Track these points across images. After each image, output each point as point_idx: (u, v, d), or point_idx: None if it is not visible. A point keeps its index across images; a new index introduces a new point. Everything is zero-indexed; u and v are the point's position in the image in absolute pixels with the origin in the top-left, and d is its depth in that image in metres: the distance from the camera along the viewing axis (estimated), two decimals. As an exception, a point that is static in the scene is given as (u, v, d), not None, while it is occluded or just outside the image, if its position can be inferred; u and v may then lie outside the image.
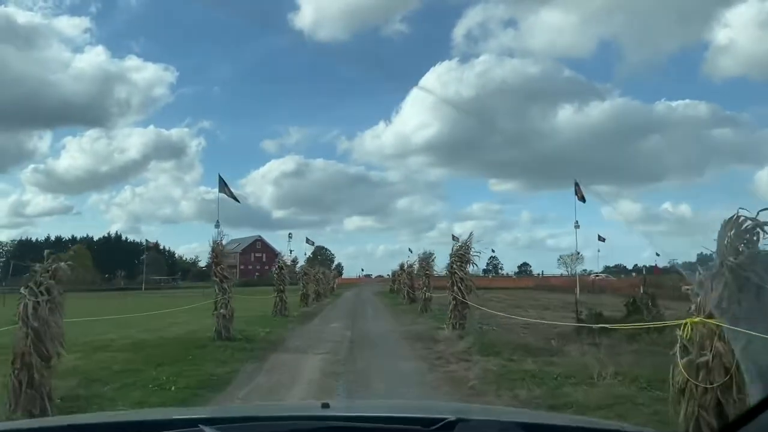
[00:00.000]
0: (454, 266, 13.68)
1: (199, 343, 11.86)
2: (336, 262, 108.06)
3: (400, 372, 8.72)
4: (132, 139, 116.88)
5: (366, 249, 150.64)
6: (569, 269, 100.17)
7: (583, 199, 29.62)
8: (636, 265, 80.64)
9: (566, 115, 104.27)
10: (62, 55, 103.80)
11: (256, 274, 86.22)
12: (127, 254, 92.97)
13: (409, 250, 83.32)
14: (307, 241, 68.61)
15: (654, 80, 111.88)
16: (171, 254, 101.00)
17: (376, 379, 8.21)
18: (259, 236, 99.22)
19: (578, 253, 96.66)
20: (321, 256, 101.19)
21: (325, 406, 1.99)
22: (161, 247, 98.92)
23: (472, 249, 13.87)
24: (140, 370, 8.82)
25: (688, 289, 4.44)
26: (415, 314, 20.63)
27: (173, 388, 7.58)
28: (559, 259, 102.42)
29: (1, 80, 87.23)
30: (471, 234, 13.92)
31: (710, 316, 3.97)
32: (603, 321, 12.22)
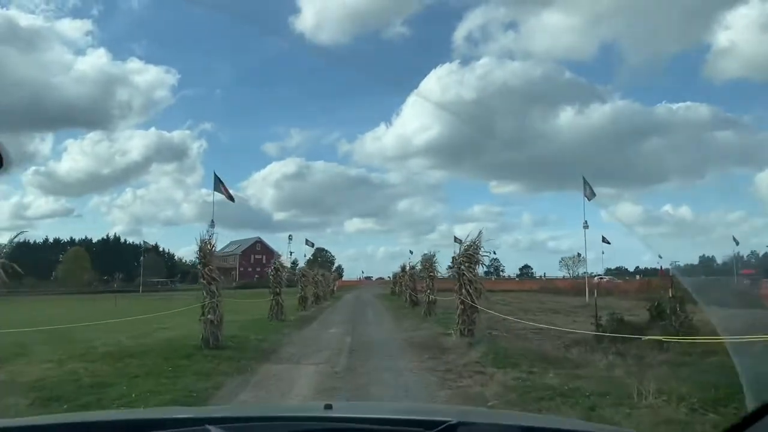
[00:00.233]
0: (462, 267, 12.63)
1: (184, 352, 10.82)
2: (336, 264, 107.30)
3: (407, 388, 7.66)
4: (133, 142, 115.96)
5: (366, 251, 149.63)
6: (571, 271, 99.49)
7: (590, 195, 28.61)
8: (638, 267, 79.58)
9: (567, 117, 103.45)
10: (64, 57, 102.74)
11: (256, 276, 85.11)
12: (126, 256, 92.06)
13: (410, 252, 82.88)
14: (307, 242, 67.51)
15: (655, 82, 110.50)
16: (171, 256, 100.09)
17: (378, 398, 7.15)
18: (259, 238, 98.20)
19: (580, 255, 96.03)
20: (321, 258, 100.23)
21: (328, 407, 2.00)
22: (161, 249, 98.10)
23: (481, 249, 12.81)
24: (111, 384, 7.78)
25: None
26: (418, 318, 19.58)
27: (142, 408, 6.52)
28: (560, 261, 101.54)
29: (2, 82, 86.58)
30: (480, 233, 12.88)
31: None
32: (626, 327, 11.16)
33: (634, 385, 6.67)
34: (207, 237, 12.00)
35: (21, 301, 42.88)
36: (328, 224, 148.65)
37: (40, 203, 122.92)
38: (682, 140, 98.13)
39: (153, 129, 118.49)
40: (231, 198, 26.80)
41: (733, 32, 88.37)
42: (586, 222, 31.45)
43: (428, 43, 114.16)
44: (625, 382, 7.31)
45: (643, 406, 5.95)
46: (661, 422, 5.41)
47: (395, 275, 45.40)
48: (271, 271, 19.74)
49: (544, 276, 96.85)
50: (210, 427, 1.67)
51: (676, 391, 6.42)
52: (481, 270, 13.54)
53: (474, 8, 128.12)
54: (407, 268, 30.50)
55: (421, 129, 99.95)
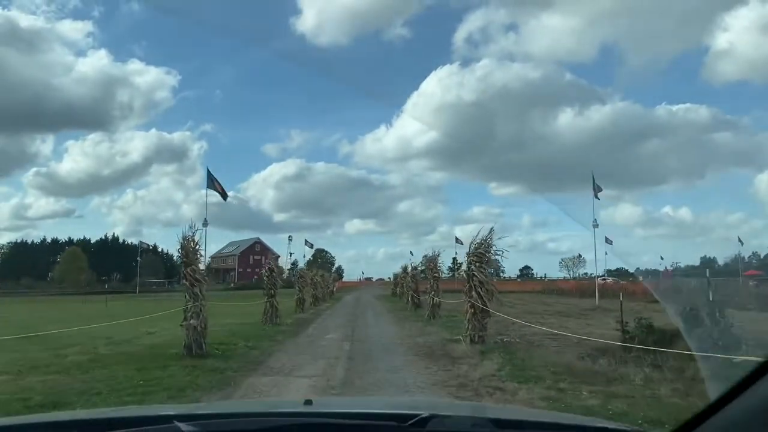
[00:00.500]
0: (473, 267, 11.44)
1: (162, 361, 9.66)
2: (336, 265, 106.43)
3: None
4: (134, 143, 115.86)
5: (367, 252, 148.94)
6: (571, 272, 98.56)
7: (596, 191, 27.59)
8: (638, 268, 78.40)
9: (567, 119, 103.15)
10: (65, 58, 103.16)
11: (255, 277, 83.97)
12: (124, 256, 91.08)
13: (411, 253, 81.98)
14: (306, 243, 66.65)
15: (655, 84, 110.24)
16: (169, 257, 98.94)
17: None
18: (258, 238, 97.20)
19: (581, 256, 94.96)
20: (321, 259, 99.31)
21: (308, 402, 2.00)
22: (159, 250, 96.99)
23: (494, 247, 11.62)
24: (64, 404, 6.59)
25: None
26: (422, 322, 18.39)
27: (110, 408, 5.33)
28: (560, 262, 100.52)
29: (3, 84, 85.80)
30: (492, 230, 11.68)
31: None
32: (660, 335, 9.96)
33: (688, 407, 5.50)
34: (190, 234, 10.80)
35: (11, 302, 41.76)
36: (328, 225, 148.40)
37: (41, 204, 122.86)
38: (681, 142, 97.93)
39: (153, 130, 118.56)
40: (224, 195, 25.73)
41: (732, 34, 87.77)
42: (595, 221, 30.22)
43: (428, 45, 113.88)
44: (674, 403, 6.15)
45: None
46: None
47: (396, 276, 44.23)
48: (265, 271, 18.50)
49: (545, 277, 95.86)
50: (179, 424, 1.62)
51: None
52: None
53: (474, 10, 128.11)
54: (409, 268, 29.28)
55: (421, 130, 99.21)
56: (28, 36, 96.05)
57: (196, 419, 1.72)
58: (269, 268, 18.11)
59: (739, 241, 64.49)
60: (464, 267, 11.93)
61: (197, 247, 10.85)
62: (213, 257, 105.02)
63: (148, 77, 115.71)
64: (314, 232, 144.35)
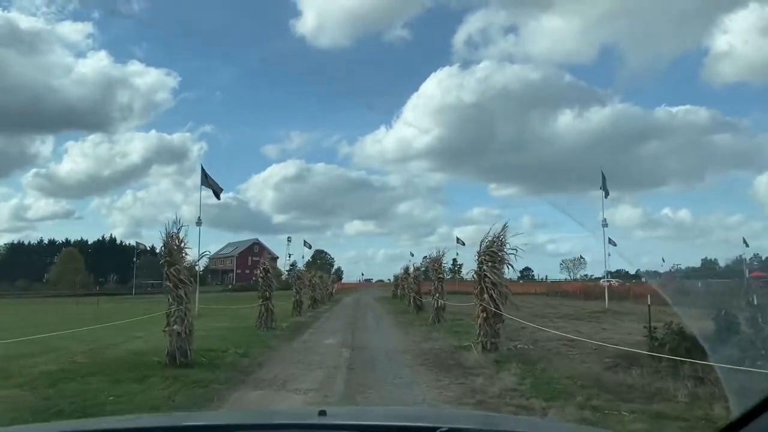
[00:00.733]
0: (484, 267, 10.45)
1: (142, 371, 8.68)
2: (336, 267, 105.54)
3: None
4: (134, 144, 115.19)
5: (366, 253, 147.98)
6: (572, 274, 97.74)
7: (606, 193, 26.66)
8: (638, 270, 77.65)
9: (567, 120, 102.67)
10: (65, 60, 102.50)
11: (253, 278, 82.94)
12: (122, 258, 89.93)
13: (411, 254, 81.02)
14: (305, 244, 65.66)
15: (654, 86, 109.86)
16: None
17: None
18: (257, 239, 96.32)
19: (582, 258, 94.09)
20: (321, 260, 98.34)
21: (322, 413, 1.92)
22: (157, 251, 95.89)
23: (507, 245, 10.64)
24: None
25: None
26: (425, 325, 17.39)
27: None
28: (561, 264, 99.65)
29: (3, 85, 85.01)
30: (505, 225, 10.68)
31: None
32: (692, 342, 8.95)
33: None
34: (175, 231, 9.81)
35: (2, 304, 40.70)
36: (328, 227, 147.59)
37: (41, 205, 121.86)
38: (681, 143, 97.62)
39: (153, 131, 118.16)
40: (217, 194, 24.80)
41: (731, 36, 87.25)
42: (604, 220, 29.24)
43: (429, 47, 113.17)
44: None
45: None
46: None
47: (397, 277, 43.23)
48: (260, 272, 17.49)
49: (546, 278, 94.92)
50: None
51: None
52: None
53: (474, 12, 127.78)
54: (411, 269, 28.27)
55: (421, 131, 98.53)
56: (28, 37, 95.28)
57: (214, 430, 1.81)
58: (264, 268, 17.09)
59: (744, 242, 63.44)
60: (475, 267, 10.92)
61: (182, 245, 9.85)
62: (211, 258, 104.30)
63: (148, 78, 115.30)
64: (314, 233, 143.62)
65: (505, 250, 10.61)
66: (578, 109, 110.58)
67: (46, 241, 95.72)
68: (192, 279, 9.81)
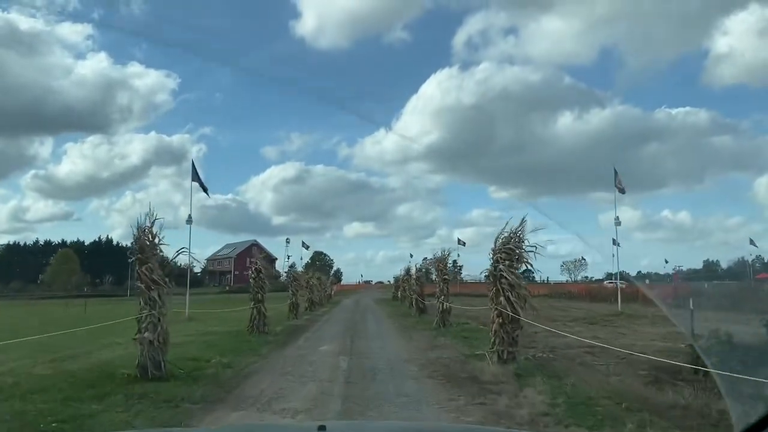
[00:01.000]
0: (501, 266, 9.22)
1: (104, 387, 7.45)
2: (335, 268, 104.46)
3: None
4: (133, 145, 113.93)
5: (366, 255, 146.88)
6: (572, 275, 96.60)
7: (622, 190, 25.46)
8: (639, 271, 76.58)
9: (566, 122, 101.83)
10: (64, 61, 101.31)
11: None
12: (118, 259, 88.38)
13: (411, 255, 79.81)
14: (303, 244, 64.44)
15: (654, 88, 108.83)
16: (165, 259, 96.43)
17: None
18: (255, 240, 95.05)
19: (584, 259, 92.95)
20: (320, 262, 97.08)
21: (322, 429, 1.86)
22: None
23: (526, 241, 9.42)
24: None
25: None
26: (430, 330, 16.16)
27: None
28: (562, 265, 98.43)
29: (3, 86, 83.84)
30: (523, 220, 9.45)
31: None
32: (743, 352, 7.75)
33: None
34: (148, 224, 8.57)
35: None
36: (327, 228, 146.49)
37: (40, 207, 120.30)
38: (681, 145, 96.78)
39: (153, 133, 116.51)
40: (206, 191, 23.64)
41: (731, 38, 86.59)
42: (617, 218, 28.00)
43: (428, 48, 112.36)
44: None
45: None
46: None
47: (397, 279, 41.99)
48: (252, 273, 16.24)
49: (548, 280, 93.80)
50: None
51: None
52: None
53: (474, 13, 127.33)
54: (413, 270, 27.03)
55: (420, 133, 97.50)
56: (27, 39, 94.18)
57: None
58: (256, 268, 15.84)
59: (751, 243, 62.08)
60: (489, 266, 9.69)
61: (156, 240, 8.62)
62: (209, 260, 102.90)
63: (147, 80, 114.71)
64: (313, 235, 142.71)
65: (524, 247, 9.37)
66: (578, 110, 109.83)
67: (42, 242, 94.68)
68: (167, 279, 8.55)
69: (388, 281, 77.60)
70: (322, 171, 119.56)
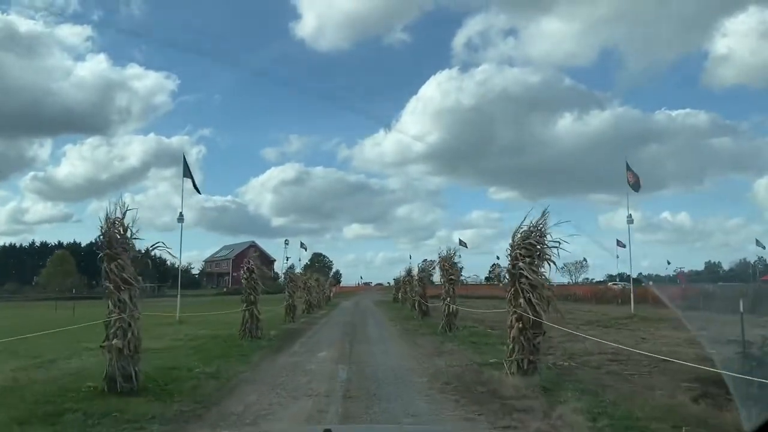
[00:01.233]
0: (521, 264, 8.14)
1: (63, 403, 6.38)
2: (334, 270, 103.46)
3: None
4: (132, 147, 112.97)
5: (365, 257, 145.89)
6: (573, 277, 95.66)
7: (636, 185, 24.41)
8: (640, 273, 75.66)
9: (566, 123, 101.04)
10: (64, 63, 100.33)
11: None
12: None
13: (410, 257, 78.72)
14: (301, 245, 63.33)
15: (654, 89, 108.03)
16: (163, 261, 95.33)
17: None
18: (253, 242, 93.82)
19: (585, 260, 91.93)
20: (319, 263, 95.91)
21: None
22: (152, 254, 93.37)
23: (548, 236, 8.35)
24: None
25: None
26: (435, 334, 15.08)
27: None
28: (563, 267, 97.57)
29: (2, 88, 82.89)
30: (545, 212, 8.37)
31: None
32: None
33: None
34: (119, 216, 7.48)
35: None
36: (327, 230, 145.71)
37: (39, 208, 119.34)
38: (680, 147, 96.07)
39: (152, 134, 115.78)
40: (197, 189, 22.62)
41: (731, 39, 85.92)
42: (630, 216, 26.93)
43: (428, 50, 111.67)
44: None
45: None
46: None
47: (397, 280, 40.90)
48: (244, 273, 15.16)
49: (550, 282, 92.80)
50: None
51: None
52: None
53: (474, 15, 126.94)
54: (415, 271, 25.94)
55: (420, 135, 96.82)
56: (26, 41, 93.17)
57: None
58: (248, 268, 14.75)
59: (758, 244, 60.84)
60: (507, 264, 8.61)
61: (129, 234, 7.53)
62: (207, 261, 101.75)
63: (146, 81, 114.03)
64: (312, 236, 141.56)
65: (546, 242, 8.30)
66: (578, 112, 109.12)
67: (38, 244, 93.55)
68: (139, 277, 7.45)
69: (388, 283, 76.61)
70: (322, 172, 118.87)
